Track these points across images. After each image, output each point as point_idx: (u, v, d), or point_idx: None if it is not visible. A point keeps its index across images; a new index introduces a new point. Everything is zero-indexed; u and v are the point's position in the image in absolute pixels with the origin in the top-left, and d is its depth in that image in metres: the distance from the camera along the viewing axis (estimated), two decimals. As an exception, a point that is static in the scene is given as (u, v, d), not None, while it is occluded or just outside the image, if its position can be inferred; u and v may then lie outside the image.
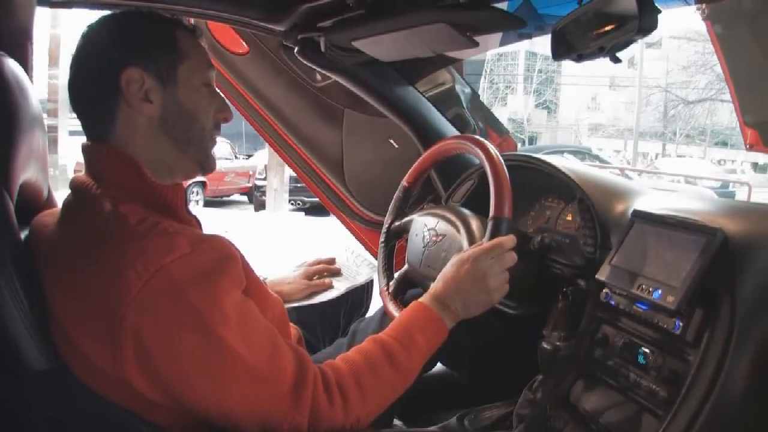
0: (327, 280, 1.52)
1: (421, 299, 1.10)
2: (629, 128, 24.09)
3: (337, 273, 1.56)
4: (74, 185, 0.96)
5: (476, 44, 1.31)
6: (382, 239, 1.46)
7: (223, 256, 0.87)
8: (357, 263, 1.59)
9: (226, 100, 1.05)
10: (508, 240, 1.13)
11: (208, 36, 1.94)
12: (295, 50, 1.62)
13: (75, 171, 7.42)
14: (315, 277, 1.54)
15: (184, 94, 0.98)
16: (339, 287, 1.52)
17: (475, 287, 1.09)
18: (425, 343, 1.04)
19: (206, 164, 1.03)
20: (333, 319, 1.56)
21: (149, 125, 0.96)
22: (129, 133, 0.95)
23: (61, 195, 1.03)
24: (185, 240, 0.85)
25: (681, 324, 0.92)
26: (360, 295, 1.60)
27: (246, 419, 0.87)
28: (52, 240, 0.92)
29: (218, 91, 1.05)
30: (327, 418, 0.91)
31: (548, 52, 1.20)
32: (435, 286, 1.11)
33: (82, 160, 0.99)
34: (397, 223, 1.45)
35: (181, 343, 0.82)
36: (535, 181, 1.42)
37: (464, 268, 1.10)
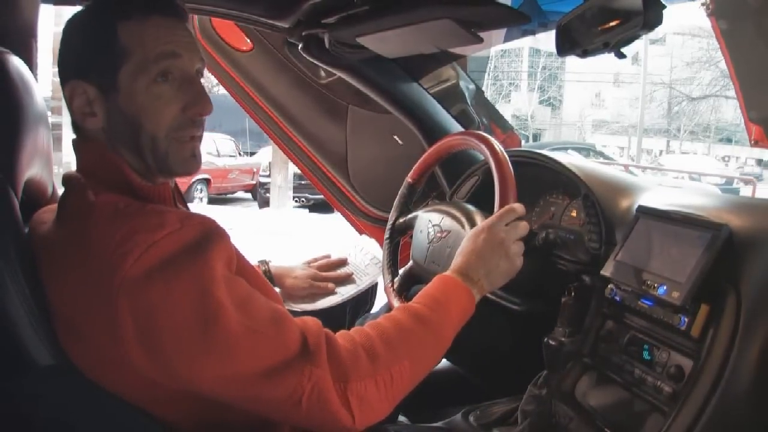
0: (330, 285, 1.50)
1: (443, 273, 1.07)
2: (633, 125, 23.98)
3: (346, 279, 1.54)
4: (65, 181, 0.95)
5: (480, 40, 1.31)
6: (386, 236, 1.45)
7: (213, 231, 0.85)
8: (365, 262, 1.57)
9: (202, 91, 0.94)
10: (519, 206, 1.12)
11: (211, 33, 1.94)
12: (300, 47, 1.62)
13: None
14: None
15: (126, 101, 0.90)
16: (343, 292, 1.51)
17: (495, 254, 1.06)
18: (454, 310, 1.01)
19: (173, 169, 0.95)
20: (338, 317, 1.55)
21: (102, 136, 0.93)
22: (99, 137, 0.93)
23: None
24: (175, 216, 0.84)
25: (686, 319, 0.92)
26: (365, 293, 1.58)
27: (267, 392, 0.83)
28: (47, 235, 0.91)
29: (193, 81, 0.93)
30: (354, 371, 0.87)
31: (552, 48, 1.20)
32: (455, 262, 1.08)
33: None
34: (401, 220, 1.44)
35: (178, 310, 0.79)
36: (540, 178, 1.42)
37: (481, 238, 1.08)
